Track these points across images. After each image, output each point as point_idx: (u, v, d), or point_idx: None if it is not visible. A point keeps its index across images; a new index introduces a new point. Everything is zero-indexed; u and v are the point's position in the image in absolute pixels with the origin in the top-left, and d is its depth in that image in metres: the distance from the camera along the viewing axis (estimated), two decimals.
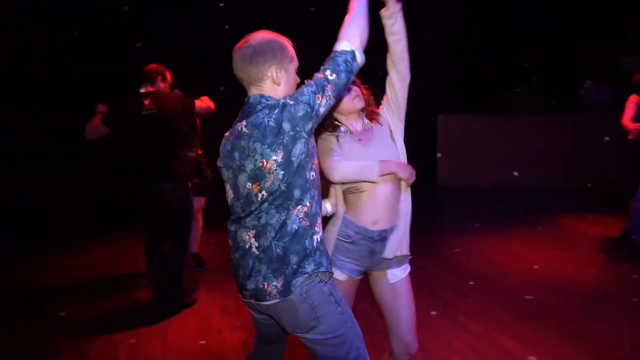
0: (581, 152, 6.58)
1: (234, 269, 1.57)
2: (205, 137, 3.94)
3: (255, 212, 1.47)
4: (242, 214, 1.51)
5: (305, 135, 1.44)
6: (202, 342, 2.89)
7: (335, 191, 1.87)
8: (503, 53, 7.63)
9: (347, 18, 1.55)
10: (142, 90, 3.26)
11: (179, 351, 2.81)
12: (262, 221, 1.47)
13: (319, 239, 1.52)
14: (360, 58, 1.52)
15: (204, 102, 3.53)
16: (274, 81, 1.53)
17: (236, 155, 1.48)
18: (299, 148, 1.44)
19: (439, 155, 6.85)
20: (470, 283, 3.53)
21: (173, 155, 3.21)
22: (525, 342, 2.70)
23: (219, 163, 1.55)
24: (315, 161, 1.53)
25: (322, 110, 1.47)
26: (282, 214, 1.45)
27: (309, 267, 1.46)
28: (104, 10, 6.38)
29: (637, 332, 2.78)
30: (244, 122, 1.48)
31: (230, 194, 1.55)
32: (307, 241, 1.48)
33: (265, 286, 1.46)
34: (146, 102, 3.16)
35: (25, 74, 6.16)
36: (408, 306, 1.87)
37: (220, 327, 3.09)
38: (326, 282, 1.50)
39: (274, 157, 1.42)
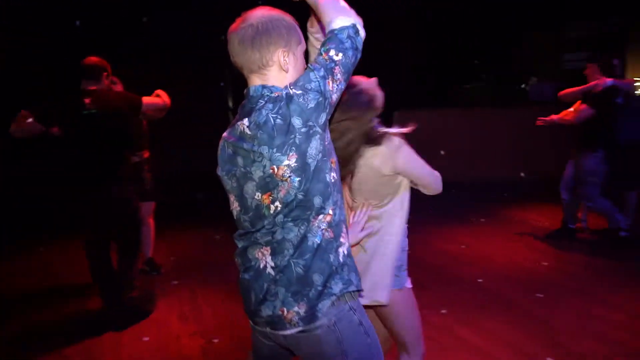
0: (527, 144, 6.87)
1: (242, 292, 1.31)
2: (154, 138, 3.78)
3: (267, 227, 1.23)
4: (252, 229, 1.26)
5: (319, 130, 1.19)
6: (159, 350, 2.77)
7: None
8: (455, 51, 7.87)
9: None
10: (85, 88, 2.95)
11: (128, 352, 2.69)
12: (278, 236, 1.22)
13: (345, 252, 1.28)
14: (362, 32, 1.27)
15: (157, 99, 3.25)
16: (281, 67, 1.26)
17: (239, 160, 1.23)
18: (314, 147, 1.19)
19: None
20: (426, 275, 3.58)
21: (117, 158, 3.01)
22: (484, 332, 2.76)
23: (219, 171, 1.30)
24: (334, 159, 1.29)
25: (334, 97, 1.22)
26: (302, 227, 1.21)
27: (337, 287, 1.23)
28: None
29: (590, 319, 2.90)
30: (245, 121, 1.22)
31: (235, 206, 1.29)
32: (332, 256, 1.24)
33: (285, 312, 1.22)
34: (87, 100, 2.88)
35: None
36: None
37: (178, 333, 2.96)
38: (355, 310, 1.27)
39: (286, 162, 1.17)
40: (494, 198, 5.84)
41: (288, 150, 1.16)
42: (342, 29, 1.24)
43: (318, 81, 1.18)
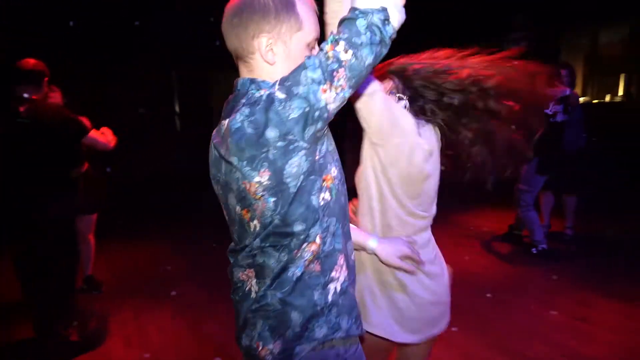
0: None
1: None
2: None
3: (249, 247, 1.04)
4: (238, 246, 1.08)
5: (304, 144, 0.95)
6: None
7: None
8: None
9: None
10: (21, 94, 2.61)
11: None
12: (259, 260, 1.04)
13: (338, 289, 1.07)
14: (399, 17, 0.95)
15: (101, 137, 3.02)
16: (263, 57, 1.03)
17: (222, 167, 1.02)
18: (295, 164, 0.96)
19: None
20: None
21: (52, 169, 2.75)
22: (440, 340, 2.77)
23: (210, 172, 1.09)
24: (332, 174, 1.05)
25: (331, 108, 0.94)
26: (283, 254, 1.02)
27: (319, 331, 1.04)
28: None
29: (535, 321, 3.01)
30: (226, 121, 0.99)
31: (225, 215, 1.11)
32: (316, 293, 1.04)
33: (259, 347, 1.05)
34: (21, 109, 2.59)
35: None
36: None
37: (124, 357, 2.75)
38: (346, 358, 1.07)
39: (257, 179, 0.96)
40: (443, 203, 5.96)
41: (259, 166, 0.94)
42: (365, 12, 0.91)
43: (308, 86, 0.91)
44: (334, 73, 0.91)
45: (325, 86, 0.92)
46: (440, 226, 4.74)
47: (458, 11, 7.94)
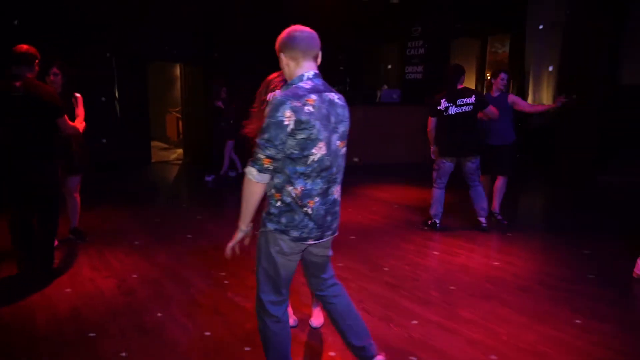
0: (375, 136, 8.52)
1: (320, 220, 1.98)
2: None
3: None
4: (334, 170, 1.97)
5: None
6: (69, 290, 3.44)
7: None
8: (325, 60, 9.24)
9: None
10: (16, 73, 3.27)
11: (60, 300, 3.35)
12: (342, 176, 2.05)
13: None
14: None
15: (72, 125, 3.61)
16: (319, 61, 2.01)
17: (332, 119, 1.93)
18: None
19: None
20: None
21: (43, 137, 3.40)
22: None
23: (317, 124, 1.84)
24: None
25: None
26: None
27: None
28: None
29: (395, 248, 4.34)
30: (334, 95, 1.96)
31: (323, 151, 1.89)
32: None
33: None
34: (17, 84, 3.25)
35: None
36: None
37: (91, 277, 3.68)
38: None
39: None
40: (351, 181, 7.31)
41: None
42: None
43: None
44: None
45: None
46: (353, 195, 6.15)
47: (372, 17, 9.27)
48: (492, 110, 4.58)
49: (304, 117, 1.80)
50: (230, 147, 7.55)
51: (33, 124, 3.39)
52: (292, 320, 2.91)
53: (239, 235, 2.02)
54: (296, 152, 1.85)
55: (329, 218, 2.01)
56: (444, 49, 9.51)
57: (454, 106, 4.53)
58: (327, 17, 8.91)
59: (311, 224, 1.95)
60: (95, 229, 4.85)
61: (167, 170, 8.72)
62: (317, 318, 2.95)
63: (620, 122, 7.27)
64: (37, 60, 3.46)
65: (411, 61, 9.47)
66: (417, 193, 6.63)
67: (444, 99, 4.56)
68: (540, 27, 8.18)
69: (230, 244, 2.03)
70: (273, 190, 1.94)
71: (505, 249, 4.37)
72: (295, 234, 1.95)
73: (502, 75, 4.91)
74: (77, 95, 4.17)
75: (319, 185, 1.92)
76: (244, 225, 2.00)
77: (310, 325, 2.93)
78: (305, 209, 1.92)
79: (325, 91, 1.92)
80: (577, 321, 2.99)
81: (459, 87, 4.59)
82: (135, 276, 3.70)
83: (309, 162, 1.87)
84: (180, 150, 10.68)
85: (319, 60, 2.00)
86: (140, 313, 3.09)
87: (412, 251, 4.30)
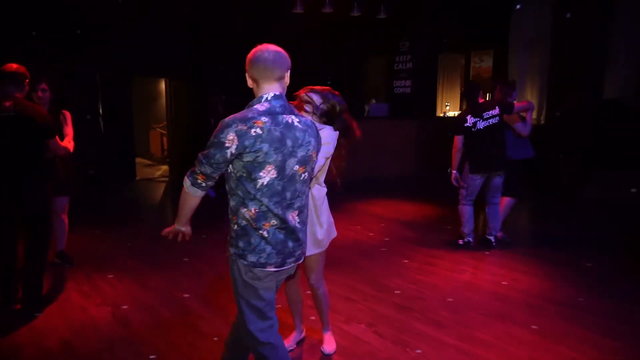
0: (364, 151, 8.46)
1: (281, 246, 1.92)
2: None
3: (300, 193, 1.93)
4: (288, 195, 1.88)
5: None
6: (59, 321, 3.22)
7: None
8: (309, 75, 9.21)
9: None
10: (6, 92, 3.14)
11: (50, 332, 3.12)
12: (303, 202, 1.96)
13: None
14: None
15: (62, 145, 3.48)
16: (286, 81, 1.92)
17: (288, 142, 1.83)
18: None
19: None
20: None
21: (32, 157, 3.24)
22: (332, 281, 3.85)
23: (264, 147, 1.77)
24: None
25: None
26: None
27: None
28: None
29: (398, 267, 4.23)
30: (295, 117, 1.87)
31: (273, 174, 1.82)
32: None
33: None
34: (7, 104, 3.10)
35: None
36: None
37: (82, 305, 3.46)
38: None
39: (315, 152, 1.97)
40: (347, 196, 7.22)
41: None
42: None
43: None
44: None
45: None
46: (345, 210, 6.03)
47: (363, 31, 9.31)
48: (523, 104, 4.59)
49: (247, 142, 1.76)
50: None
51: (24, 145, 3.22)
52: (287, 344, 2.79)
53: (174, 229, 2.12)
54: (244, 174, 1.82)
55: (290, 244, 1.92)
56: (432, 64, 9.58)
57: (481, 120, 4.45)
58: (315, 33, 8.93)
59: (268, 248, 1.88)
60: (82, 252, 4.60)
61: (153, 188, 8.47)
62: (329, 344, 2.82)
63: (606, 134, 7.41)
64: (27, 80, 3.33)
65: (399, 75, 9.51)
66: (410, 208, 6.57)
67: (469, 115, 4.47)
68: (518, 7, 8.24)
69: (167, 230, 2.13)
70: (230, 214, 1.92)
71: (508, 264, 4.31)
72: (252, 258, 1.87)
73: (514, 92, 4.82)
74: (66, 112, 3.98)
75: (273, 209, 1.85)
76: (179, 224, 2.09)
77: (322, 352, 2.79)
78: (260, 231, 1.86)
79: (282, 113, 1.85)
80: (592, 340, 2.92)
81: (480, 101, 4.57)
82: (129, 303, 3.49)
83: (258, 185, 1.82)
84: (165, 167, 10.42)
85: (286, 81, 1.93)
86: (138, 344, 2.89)
87: (415, 269, 4.20)
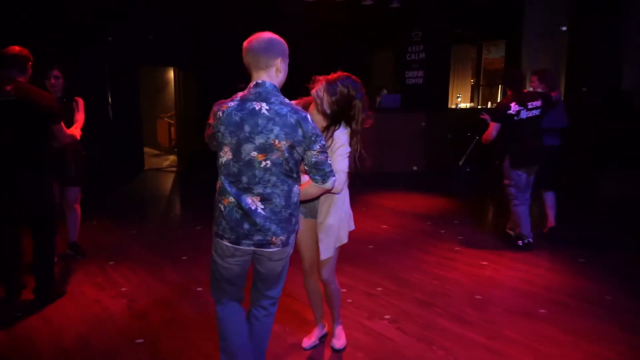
0: (375, 143, 8.35)
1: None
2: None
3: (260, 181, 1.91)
4: (244, 179, 1.91)
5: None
6: (74, 313, 3.14)
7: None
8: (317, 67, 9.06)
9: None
10: (8, 76, 3.00)
11: (66, 327, 3.05)
12: (268, 190, 1.92)
13: None
14: (328, 185, 2.03)
15: (68, 132, 3.31)
16: (278, 69, 1.93)
17: (246, 127, 1.86)
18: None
19: None
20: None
21: (34, 146, 3.07)
22: (352, 276, 3.78)
23: (219, 129, 1.89)
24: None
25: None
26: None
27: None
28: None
29: (417, 261, 4.14)
30: (265, 105, 1.87)
31: (229, 156, 1.91)
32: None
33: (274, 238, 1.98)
34: (8, 87, 2.93)
35: None
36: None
37: (97, 297, 3.38)
38: None
39: (284, 142, 1.87)
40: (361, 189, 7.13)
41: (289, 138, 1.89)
42: (324, 174, 2.02)
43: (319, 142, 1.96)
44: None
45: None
46: (359, 203, 5.87)
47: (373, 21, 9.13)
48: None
49: (213, 122, 1.95)
50: None
51: (26, 131, 3.06)
52: (309, 341, 2.76)
53: None
54: (215, 150, 2.02)
55: (246, 226, 1.96)
56: (445, 54, 9.40)
57: (525, 110, 4.23)
58: (326, 22, 8.76)
59: (224, 222, 1.99)
60: (94, 243, 4.53)
61: (162, 178, 8.39)
62: (339, 339, 2.73)
63: (621, 126, 7.26)
64: (30, 63, 3.17)
65: (411, 66, 9.33)
66: (423, 201, 6.46)
67: (514, 103, 4.23)
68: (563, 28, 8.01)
69: None
70: None
71: (529, 259, 4.21)
72: (215, 228, 2.05)
73: (533, 77, 4.69)
74: (79, 99, 3.88)
75: (227, 187, 1.97)
76: None
77: (332, 347, 2.71)
78: (220, 205, 2.01)
79: (253, 100, 1.90)
80: (627, 340, 2.82)
81: (524, 91, 4.38)
82: (144, 295, 3.41)
83: (219, 163, 1.98)
84: (172, 157, 10.34)
85: (278, 68, 1.95)
86: (156, 340, 2.82)
87: (435, 264, 4.11)
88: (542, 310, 3.20)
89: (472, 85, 10.90)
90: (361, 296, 3.42)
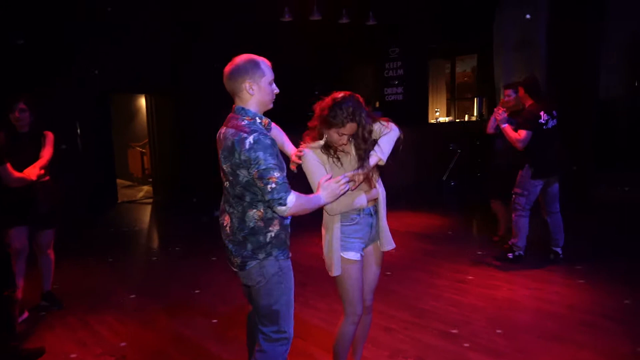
0: None
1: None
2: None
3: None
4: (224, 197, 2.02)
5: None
6: None
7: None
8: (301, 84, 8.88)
9: (307, 197, 1.91)
10: None
11: None
12: (230, 210, 1.99)
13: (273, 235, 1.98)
14: (280, 210, 1.84)
15: (17, 173, 3.13)
16: (248, 91, 1.91)
17: (219, 152, 1.95)
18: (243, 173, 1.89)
19: None
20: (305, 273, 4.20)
21: None
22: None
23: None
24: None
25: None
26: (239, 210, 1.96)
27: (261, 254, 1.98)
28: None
29: (428, 286, 3.89)
30: (229, 131, 1.90)
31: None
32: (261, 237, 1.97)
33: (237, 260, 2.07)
34: None
35: None
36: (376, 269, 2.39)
37: (79, 357, 2.96)
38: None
39: (226, 166, 1.94)
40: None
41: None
42: (279, 195, 1.84)
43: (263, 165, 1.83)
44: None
45: (260, 180, 1.86)
46: None
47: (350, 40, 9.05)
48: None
49: None
50: None
51: None
52: None
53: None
54: None
55: (226, 242, 2.04)
56: (422, 70, 9.40)
57: (551, 119, 4.10)
58: (301, 40, 8.61)
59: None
60: (71, 290, 4.08)
61: (138, 211, 7.90)
62: None
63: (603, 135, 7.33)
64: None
65: (390, 82, 9.27)
66: (417, 219, 6.26)
67: (543, 111, 4.06)
68: (528, 16, 8.08)
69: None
70: None
71: (540, 276, 4.02)
72: None
73: (507, 92, 4.65)
74: (47, 133, 3.51)
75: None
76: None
77: None
78: None
79: (225, 125, 1.97)
80: None
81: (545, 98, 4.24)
82: (134, 351, 3.01)
83: None
84: (147, 188, 9.85)
85: (247, 91, 1.93)
86: None
87: (447, 287, 3.87)
88: (575, 334, 2.98)
89: (447, 99, 10.95)
90: (378, 331, 3.12)
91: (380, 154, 2.17)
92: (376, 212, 2.28)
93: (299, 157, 2.15)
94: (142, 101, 9.93)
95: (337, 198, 2.01)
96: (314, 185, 2.10)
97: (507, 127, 4.15)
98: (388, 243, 2.35)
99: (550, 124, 4.13)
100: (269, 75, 1.95)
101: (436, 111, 10.33)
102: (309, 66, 9.00)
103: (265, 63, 1.96)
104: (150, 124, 8.96)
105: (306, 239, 5.00)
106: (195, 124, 7.92)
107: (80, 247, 5.54)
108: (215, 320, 3.40)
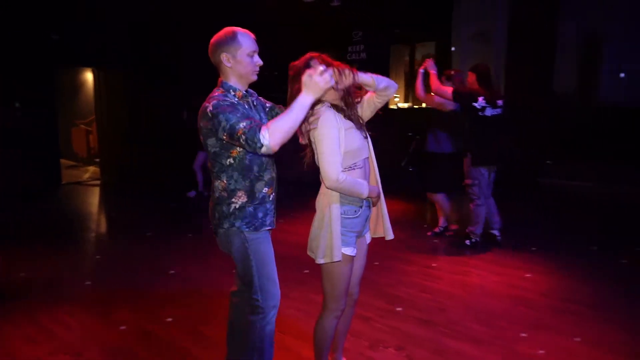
0: None
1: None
2: None
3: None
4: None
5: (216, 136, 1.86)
6: None
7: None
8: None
9: (284, 114, 1.72)
10: None
11: None
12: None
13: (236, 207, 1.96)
14: (264, 151, 1.69)
15: None
16: (224, 64, 1.92)
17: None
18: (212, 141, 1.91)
19: None
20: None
21: None
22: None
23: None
24: (237, 150, 1.90)
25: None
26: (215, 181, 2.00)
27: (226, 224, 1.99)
28: None
29: (400, 273, 3.85)
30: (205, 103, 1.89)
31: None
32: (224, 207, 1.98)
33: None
34: None
35: None
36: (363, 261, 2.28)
37: (30, 356, 2.66)
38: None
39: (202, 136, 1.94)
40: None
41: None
42: (254, 135, 1.72)
43: (225, 122, 1.78)
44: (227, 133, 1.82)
45: (225, 134, 1.82)
46: (313, 210, 5.14)
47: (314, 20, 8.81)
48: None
49: None
50: (200, 160, 6.55)
51: None
52: None
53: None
54: None
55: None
56: (384, 54, 9.34)
57: (490, 108, 4.11)
58: (264, 18, 8.28)
59: None
60: (19, 282, 3.69)
61: (85, 193, 7.35)
62: None
63: (556, 127, 7.64)
64: None
65: (352, 66, 9.12)
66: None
67: (482, 97, 4.07)
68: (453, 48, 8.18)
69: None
70: None
71: (507, 262, 4.10)
72: None
73: (454, 72, 4.63)
74: None
75: None
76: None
77: None
78: None
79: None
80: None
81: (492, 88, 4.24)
82: (91, 348, 2.74)
83: None
84: (93, 168, 9.24)
85: (225, 64, 1.94)
86: None
87: (418, 274, 3.84)
88: (553, 321, 3.01)
89: (406, 85, 10.99)
90: (355, 320, 3.00)
91: (373, 76, 2.05)
92: (373, 204, 2.16)
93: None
94: (88, 75, 9.22)
95: (324, 93, 1.83)
96: (326, 155, 1.88)
97: (433, 75, 4.12)
98: (389, 232, 2.26)
99: (489, 112, 4.11)
100: (247, 46, 1.90)
101: (395, 97, 10.35)
102: (273, 47, 8.70)
103: (244, 34, 1.92)
104: (97, 101, 8.34)
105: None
106: (153, 100, 7.45)
107: (23, 233, 5.05)
108: (182, 313, 3.17)
